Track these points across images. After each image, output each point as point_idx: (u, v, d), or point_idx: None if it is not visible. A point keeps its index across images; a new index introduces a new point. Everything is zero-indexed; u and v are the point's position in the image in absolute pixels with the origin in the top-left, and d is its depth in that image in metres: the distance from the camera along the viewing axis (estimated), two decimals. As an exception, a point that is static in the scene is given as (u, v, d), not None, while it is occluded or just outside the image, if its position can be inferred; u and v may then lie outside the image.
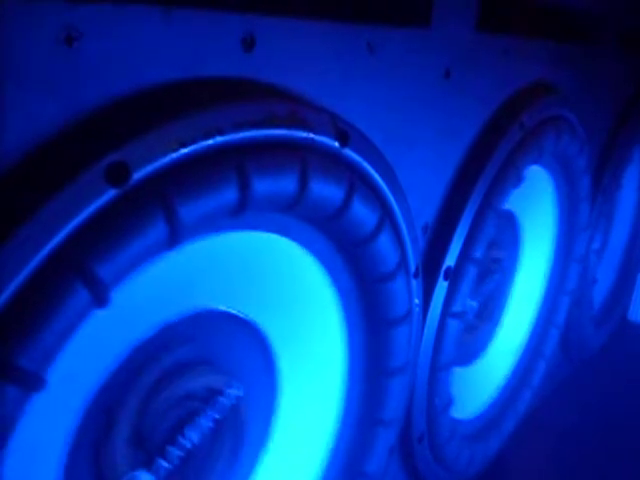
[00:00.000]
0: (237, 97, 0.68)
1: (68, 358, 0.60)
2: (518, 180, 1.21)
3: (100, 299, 0.58)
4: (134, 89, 0.61)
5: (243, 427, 0.90)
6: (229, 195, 0.66)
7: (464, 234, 1.12)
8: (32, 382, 0.55)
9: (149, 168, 0.59)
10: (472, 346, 1.50)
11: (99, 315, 0.60)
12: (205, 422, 0.82)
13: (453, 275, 1.12)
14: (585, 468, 1.74)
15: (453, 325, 1.16)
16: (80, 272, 0.56)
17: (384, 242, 0.89)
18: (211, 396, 0.83)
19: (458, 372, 1.38)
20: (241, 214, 0.69)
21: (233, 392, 0.85)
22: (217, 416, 0.84)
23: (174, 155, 0.61)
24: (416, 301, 1.03)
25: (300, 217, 0.82)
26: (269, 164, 0.69)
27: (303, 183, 0.73)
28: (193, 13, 0.64)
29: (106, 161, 0.55)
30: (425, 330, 1.12)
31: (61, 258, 0.55)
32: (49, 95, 0.54)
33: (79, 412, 0.67)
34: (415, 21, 0.92)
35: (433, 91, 0.99)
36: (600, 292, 2.16)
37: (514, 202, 1.34)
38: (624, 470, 1.75)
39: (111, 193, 0.56)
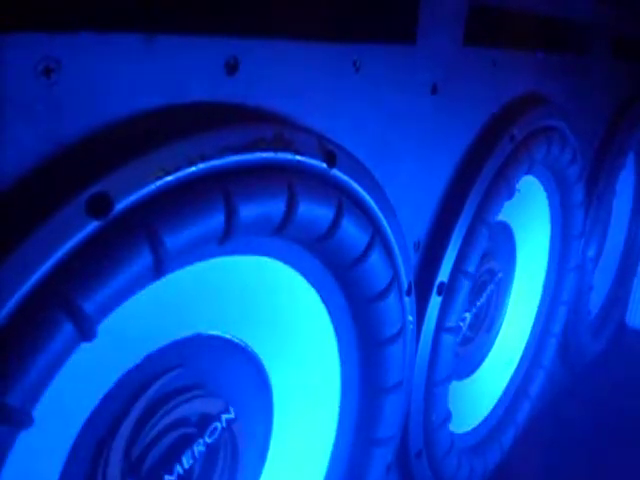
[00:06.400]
0: (221, 122, 0.67)
1: (56, 391, 0.59)
2: (510, 192, 1.20)
3: (86, 332, 0.57)
4: (115, 118, 0.60)
5: (237, 449, 0.88)
6: (215, 222, 0.65)
7: (457, 249, 1.12)
8: (19, 419, 0.54)
9: (132, 198, 0.58)
10: (469, 359, 1.49)
11: (86, 347, 0.60)
12: (198, 447, 0.81)
13: (446, 290, 1.12)
14: (586, 478, 1.73)
15: (448, 340, 1.16)
16: (64, 306, 0.55)
17: (375, 261, 0.88)
18: (204, 420, 0.82)
19: (455, 385, 1.37)
20: (228, 240, 0.68)
21: (226, 416, 0.84)
22: (210, 440, 0.83)
23: (157, 184, 0.60)
24: (409, 318, 1.02)
25: (289, 239, 0.81)
26: (255, 189, 0.68)
27: (291, 206, 0.72)
28: (175, 38, 0.63)
29: (87, 193, 0.54)
30: (420, 346, 1.12)
31: (44, 292, 0.54)
32: (29, 128, 0.54)
33: (70, 444, 0.66)
34: (401, 38, 0.91)
35: (421, 107, 0.98)
36: (597, 299, 2.15)
37: (508, 213, 1.34)
38: (625, 479, 1.74)
39: (93, 225, 0.55)
